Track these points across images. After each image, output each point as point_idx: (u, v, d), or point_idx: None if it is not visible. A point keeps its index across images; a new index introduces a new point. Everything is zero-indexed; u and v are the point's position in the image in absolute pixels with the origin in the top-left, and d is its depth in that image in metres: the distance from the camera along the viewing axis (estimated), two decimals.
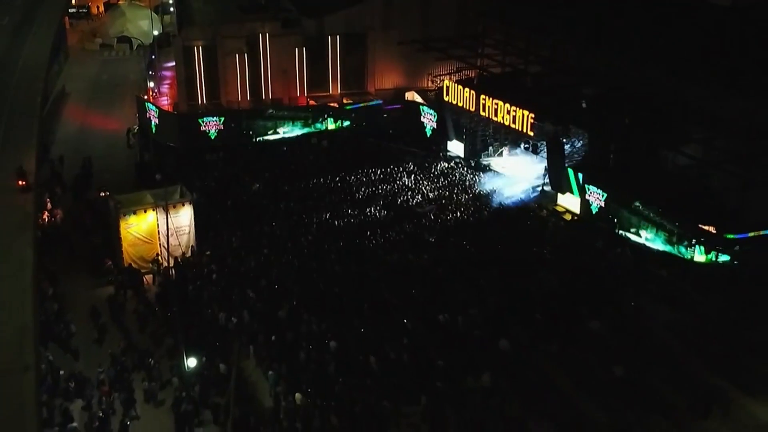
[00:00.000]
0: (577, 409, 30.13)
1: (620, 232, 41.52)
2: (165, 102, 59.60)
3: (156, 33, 79.06)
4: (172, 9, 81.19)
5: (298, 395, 29.89)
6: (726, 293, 36.00)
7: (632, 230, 40.87)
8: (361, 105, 57.94)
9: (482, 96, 47.79)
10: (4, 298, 27.58)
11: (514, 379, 31.43)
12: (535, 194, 47.17)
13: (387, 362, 31.74)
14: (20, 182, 35.98)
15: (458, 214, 44.64)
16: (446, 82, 51.41)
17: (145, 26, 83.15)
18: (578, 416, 29.65)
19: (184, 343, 32.17)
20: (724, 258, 37.19)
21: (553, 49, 53.48)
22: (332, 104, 58.02)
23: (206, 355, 32.10)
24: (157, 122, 55.05)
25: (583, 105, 48.85)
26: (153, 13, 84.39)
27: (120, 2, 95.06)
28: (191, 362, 30.73)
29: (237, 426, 28.71)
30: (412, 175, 50.02)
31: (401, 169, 50.74)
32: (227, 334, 33.74)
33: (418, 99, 59.12)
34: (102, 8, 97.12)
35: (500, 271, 38.07)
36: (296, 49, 58.38)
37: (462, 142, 52.71)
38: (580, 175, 43.83)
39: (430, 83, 56.31)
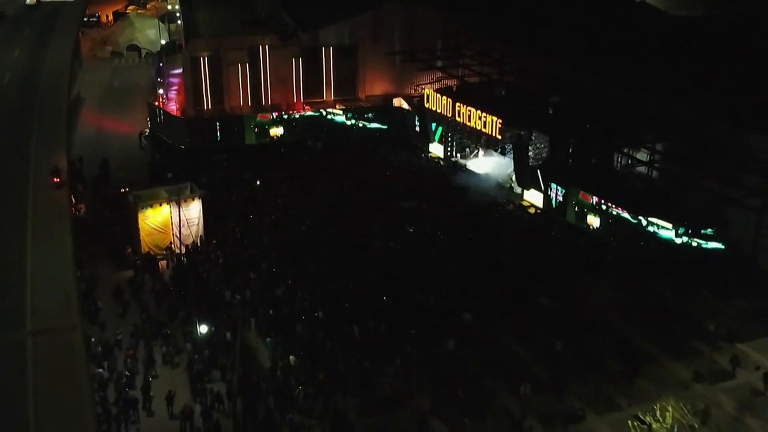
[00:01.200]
0: (526, 368, 35.81)
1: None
2: (173, 107, 65.05)
3: (163, 42, 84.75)
4: (178, 18, 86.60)
5: (291, 357, 35.60)
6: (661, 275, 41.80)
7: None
8: None
9: (457, 103, 53.65)
10: (51, 272, 33.35)
11: (474, 345, 37.11)
12: (504, 190, 52.95)
13: (367, 331, 37.51)
14: (55, 179, 41.67)
15: (435, 208, 50.39)
16: (427, 90, 57.31)
17: (153, 35, 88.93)
18: (525, 373, 35.27)
19: (196, 316, 37.83)
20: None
21: (524, 61, 59.20)
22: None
23: (214, 326, 37.73)
24: (167, 126, 60.79)
25: (550, 111, 54.62)
26: (160, 22, 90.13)
27: (128, 11, 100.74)
28: (203, 329, 36.41)
29: (241, 382, 34.24)
30: (396, 174, 55.77)
31: (386, 168, 56.47)
32: (232, 309, 39.27)
33: (405, 105, 64.73)
34: (111, 17, 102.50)
35: (468, 257, 43.83)
36: (293, 59, 64.06)
37: (441, 144, 58.51)
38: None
39: (413, 91, 62.02)
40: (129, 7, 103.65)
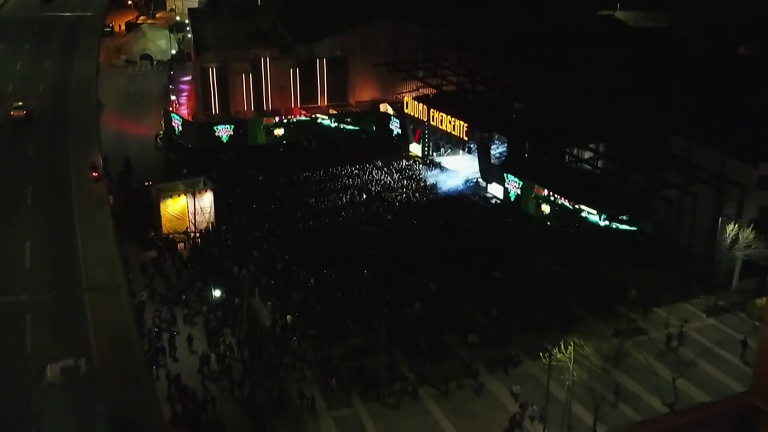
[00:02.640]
0: (478, 326, 44.23)
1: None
2: (185, 112, 72.99)
3: (173, 51, 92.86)
4: (187, 29, 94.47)
5: (288, 316, 44.06)
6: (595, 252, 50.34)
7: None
8: None
9: (431, 109, 62.19)
10: (99, 245, 41.95)
11: (437, 308, 45.52)
12: (471, 184, 61.45)
13: (350, 297, 46.02)
14: (93, 174, 50.20)
15: (413, 198, 58.95)
16: (406, 98, 65.85)
17: (163, 45, 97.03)
18: (476, 330, 43.69)
19: (210, 284, 46.22)
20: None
21: (493, 72, 67.59)
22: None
23: (225, 293, 46.07)
24: (180, 129, 69.24)
25: (514, 116, 63.13)
26: (170, 33, 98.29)
27: (140, 22, 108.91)
28: (216, 293, 44.82)
29: (247, 336, 42.60)
30: (380, 170, 64.38)
31: (372, 165, 65.01)
32: (239, 280, 47.50)
33: (390, 110, 73.07)
34: (123, 27, 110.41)
35: (437, 238, 52.38)
36: (291, 69, 72.56)
37: (420, 144, 67.03)
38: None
39: (395, 98, 70.48)
40: (140, 18, 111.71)
